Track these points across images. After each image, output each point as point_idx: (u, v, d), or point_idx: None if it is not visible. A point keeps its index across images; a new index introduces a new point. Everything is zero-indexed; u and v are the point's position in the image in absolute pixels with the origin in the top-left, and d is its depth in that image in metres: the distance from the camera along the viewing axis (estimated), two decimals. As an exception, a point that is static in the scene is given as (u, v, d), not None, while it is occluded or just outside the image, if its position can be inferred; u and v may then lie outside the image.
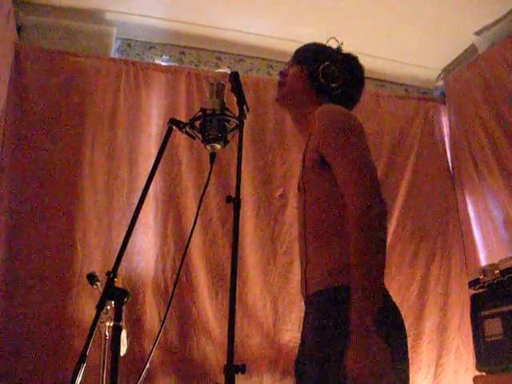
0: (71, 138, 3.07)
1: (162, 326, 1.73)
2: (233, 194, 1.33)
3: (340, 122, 1.47)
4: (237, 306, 1.18)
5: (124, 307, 1.30)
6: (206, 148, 1.65)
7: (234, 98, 1.57)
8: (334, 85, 1.62)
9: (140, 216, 1.47)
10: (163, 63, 3.54)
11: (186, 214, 3.12)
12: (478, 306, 2.80)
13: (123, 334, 2.21)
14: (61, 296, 2.78)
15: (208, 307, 3.00)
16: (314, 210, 1.50)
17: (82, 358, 1.20)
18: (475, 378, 2.75)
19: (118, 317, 1.29)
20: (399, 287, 3.35)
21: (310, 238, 1.50)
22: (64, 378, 2.57)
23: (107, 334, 2.26)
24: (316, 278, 1.45)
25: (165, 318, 1.73)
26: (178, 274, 2.32)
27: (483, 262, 3.37)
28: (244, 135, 1.48)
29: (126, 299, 1.31)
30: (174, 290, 2.43)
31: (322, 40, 1.76)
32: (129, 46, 3.55)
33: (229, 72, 1.58)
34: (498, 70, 3.39)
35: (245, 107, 1.55)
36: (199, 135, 1.66)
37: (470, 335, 2.90)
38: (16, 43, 3.12)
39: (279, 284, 3.18)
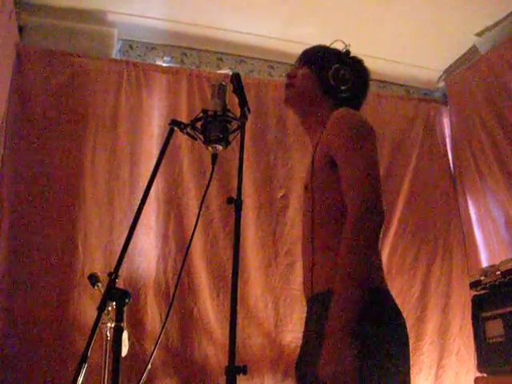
0: (72, 139, 3.08)
1: (163, 326, 1.73)
2: (234, 195, 1.34)
3: (355, 127, 1.50)
4: (238, 307, 1.18)
5: (125, 308, 1.31)
6: (207, 149, 1.66)
7: (236, 99, 1.57)
8: (343, 87, 1.64)
9: (141, 217, 1.48)
10: (164, 64, 3.55)
11: (187, 215, 3.12)
12: (479, 307, 2.80)
13: (124, 335, 2.20)
14: (62, 297, 2.78)
15: (209, 308, 3.00)
16: (322, 209, 1.52)
17: (84, 359, 1.20)
18: (476, 380, 2.74)
19: (119, 318, 1.29)
20: (401, 288, 3.35)
21: (317, 237, 1.51)
22: (65, 379, 2.57)
23: (108, 334, 2.25)
24: (324, 276, 1.45)
25: (166, 318, 1.74)
26: (180, 274, 2.32)
27: (484, 263, 3.37)
28: (245, 136, 1.49)
29: (127, 300, 1.31)
30: (175, 291, 2.43)
31: (322, 41, 1.77)
32: (130, 47, 3.56)
33: (230, 73, 1.59)
34: (500, 71, 3.39)
35: (246, 108, 1.55)
36: (201, 136, 1.66)
37: (472, 336, 2.90)
38: (17, 44, 3.12)
39: (280, 285, 3.18)
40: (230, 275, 1.22)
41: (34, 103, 3.07)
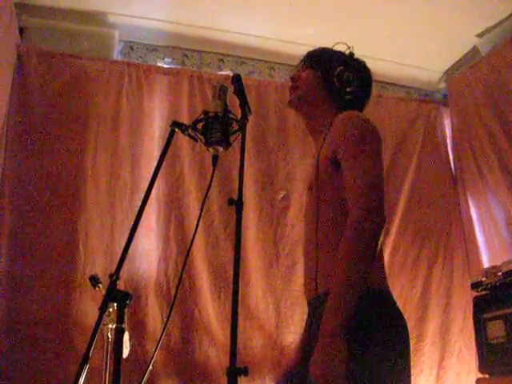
0: (74, 140, 3.08)
1: (164, 328, 1.73)
2: (235, 197, 1.34)
3: (361, 129, 1.50)
4: (239, 308, 1.18)
5: (126, 309, 1.31)
6: (208, 150, 1.65)
7: (236, 101, 1.57)
8: (348, 89, 1.65)
9: (142, 218, 1.47)
10: (165, 65, 3.55)
11: (188, 217, 3.12)
12: (480, 308, 2.80)
13: (126, 337, 2.20)
14: (63, 298, 2.78)
15: (210, 309, 3.00)
16: (327, 209, 1.52)
17: (85, 360, 1.20)
18: (478, 381, 2.74)
19: (120, 319, 1.29)
20: (401, 289, 3.35)
21: (322, 237, 1.51)
22: (67, 380, 2.57)
23: (110, 336, 2.25)
24: (328, 276, 1.45)
25: (167, 320, 1.74)
26: (181, 276, 2.32)
27: (486, 264, 3.37)
28: (246, 137, 1.49)
29: (128, 301, 1.31)
30: (176, 293, 2.43)
31: (322, 42, 1.77)
32: (131, 48, 3.56)
33: (231, 74, 1.59)
34: (500, 72, 3.39)
35: (247, 109, 1.55)
36: (202, 137, 1.66)
37: (473, 337, 2.89)
38: (18, 45, 3.12)
39: (281, 286, 3.18)
40: (231, 276, 1.22)
41: (35, 104, 3.07)
